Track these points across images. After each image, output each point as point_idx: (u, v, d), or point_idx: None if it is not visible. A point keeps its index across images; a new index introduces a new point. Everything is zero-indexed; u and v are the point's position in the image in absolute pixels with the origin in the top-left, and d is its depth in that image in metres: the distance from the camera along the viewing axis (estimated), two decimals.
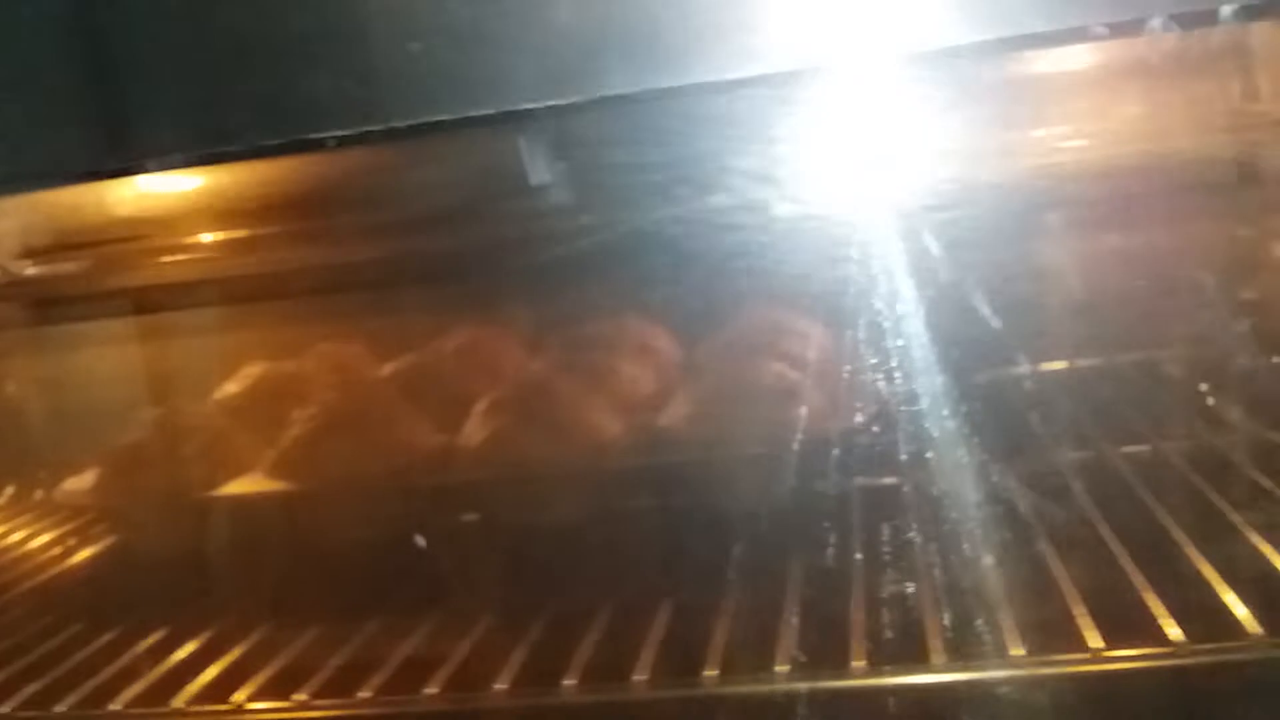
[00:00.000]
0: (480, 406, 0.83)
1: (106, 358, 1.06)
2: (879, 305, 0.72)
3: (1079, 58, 0.64)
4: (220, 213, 0.92)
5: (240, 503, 0.81)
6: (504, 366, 1.00)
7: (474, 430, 0.82)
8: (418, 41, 0.45)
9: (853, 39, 0.41)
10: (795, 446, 0.77)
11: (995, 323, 0.78)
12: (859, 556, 0.71)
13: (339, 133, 0.46)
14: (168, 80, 0.46)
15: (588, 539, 0.77)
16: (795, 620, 0.65)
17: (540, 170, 0.81)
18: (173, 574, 0.79)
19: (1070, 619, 0.59)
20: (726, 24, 0.42)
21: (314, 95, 0.46)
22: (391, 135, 0.46)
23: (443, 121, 0.46)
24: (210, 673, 0.69)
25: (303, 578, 0.77)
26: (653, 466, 0.80)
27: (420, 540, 0.77)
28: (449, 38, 0.44)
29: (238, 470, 0.85)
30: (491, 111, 0.45)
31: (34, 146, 0.47)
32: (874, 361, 0.87)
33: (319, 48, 0.45)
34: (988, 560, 0.66)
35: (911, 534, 0.72)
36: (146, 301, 0.98)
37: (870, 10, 0.41)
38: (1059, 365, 0.97)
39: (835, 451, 0.77)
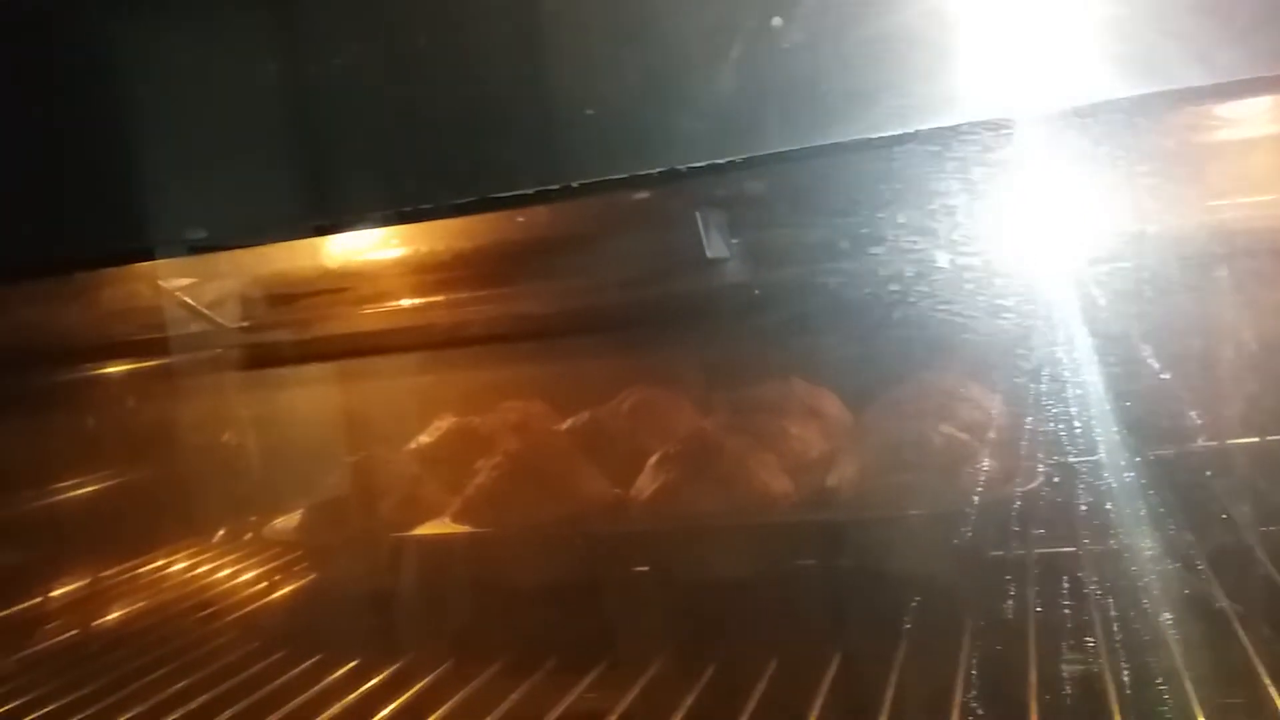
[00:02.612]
0: (652, 461, 0.86)
1: (306, 406, 1.16)
2: (1057, 368, 0.71)
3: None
4: (415, 269, 0.99)
5: (426, 544, 0.87)
6: (675, 424, 1.03)
7: (645, 484, 0.85)
8: (593, 107, 0.48)
9: (1023, 94, 0.41)
10: (962, 509, 0.77)
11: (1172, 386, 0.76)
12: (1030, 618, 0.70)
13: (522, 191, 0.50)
14: (365, 145, 0.49)
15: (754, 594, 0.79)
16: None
17: (717, 245, 0.85)
18: (366, 609, 0.84)
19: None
20: (887, 81, 0.44)
21: (499, 159, 0.49)
22: (567, 193, 0.49)
23: (618, 179, 0.48)
24: (395, 705, 0.73)
25: (485, 618, 0.81)
26: (819, 525, 0.81)
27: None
28: (624, 102, 0.47)
29: (428, 514, 0.90)
30: (662, 169, 0.48)
31: (242, 209, 0.51)
32: (1047, 426, 0.86)
33: (504, 115, 0.49)
34: (1160, 627, 0.64)
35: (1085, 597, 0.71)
36: (348, 347, 1.06)
37: (1037, 66, 0.41)
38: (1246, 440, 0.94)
39: (1001, 516, 0.77)
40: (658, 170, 0.49)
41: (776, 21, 0.46)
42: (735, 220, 0.83)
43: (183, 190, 0.51)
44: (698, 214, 0.84)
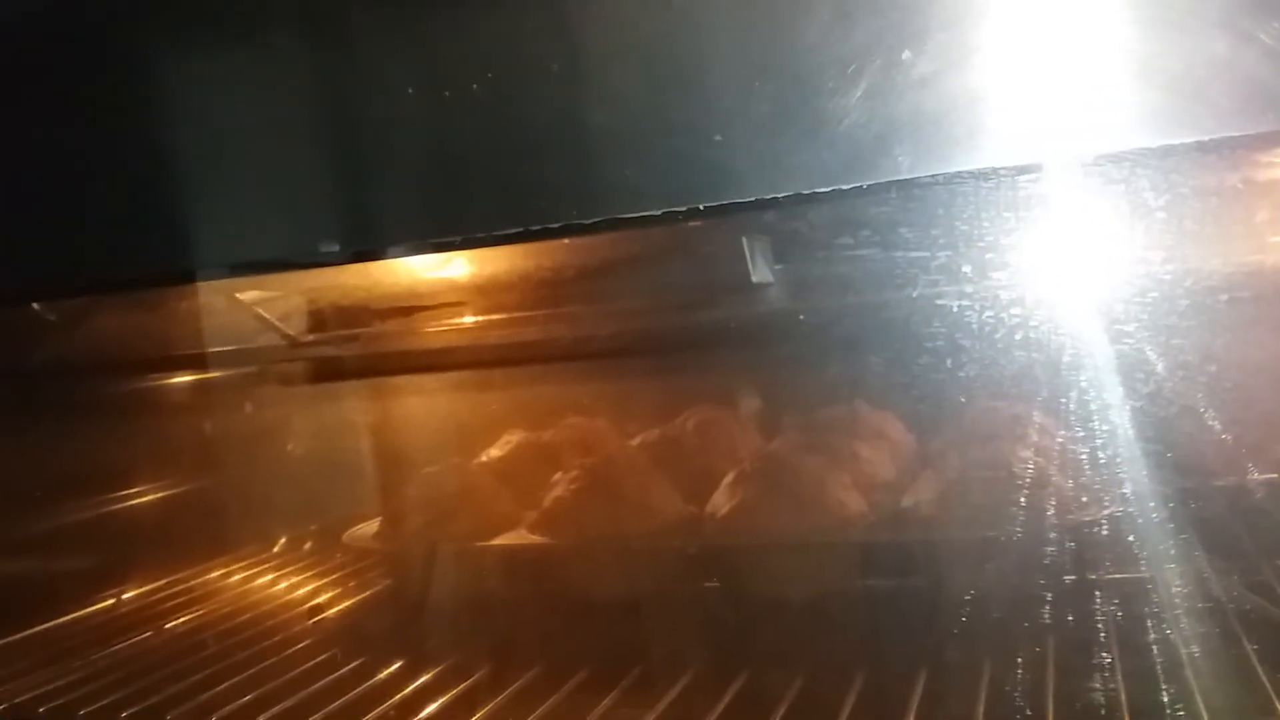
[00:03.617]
0: (728, 479, 0.87)
1: (371, 419, 1.18)
2: (1133, 395, 0.72)
3: None
4: (478, 289, 1.01)
5: (506, 554, 0.88)
6: (741, 444, 1.04)
7: (722, 500, 0.86)
8: (721, 133, 0.49)
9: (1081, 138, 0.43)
10: (1039, 532, 0.78)
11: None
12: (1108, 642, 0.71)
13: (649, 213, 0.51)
14: (408, 173, 0.50)
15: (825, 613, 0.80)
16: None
17: (762, 270, 0.86)
18: (443, 617, 0.86)
19: None
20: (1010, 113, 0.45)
21: (623, 180, 0.50)
22: (693, 215, 0.50)
23: (744, 203, 0.50)
24: (480, 714, 0.74)
25: (561, 628, 0.82)
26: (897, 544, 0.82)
27: None
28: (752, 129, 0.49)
29: (502, 525, 0.92)
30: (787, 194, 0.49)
31: (284, 232, 0.52)
32: (1121, 454, 0.87)
33: (628, 136, 0.50)
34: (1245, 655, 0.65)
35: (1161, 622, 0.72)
36: (414, 363, 1.09)
37: (1163, 102, 0.42)
38: None
39: (1076, 540, 0.78)
40: (783, 195, 0.50)
41: (906, 55, 0.47)
42: (780, 247, 0.85)
43: (229, 213, 0.53)
44: (744, 240, 0.85)
